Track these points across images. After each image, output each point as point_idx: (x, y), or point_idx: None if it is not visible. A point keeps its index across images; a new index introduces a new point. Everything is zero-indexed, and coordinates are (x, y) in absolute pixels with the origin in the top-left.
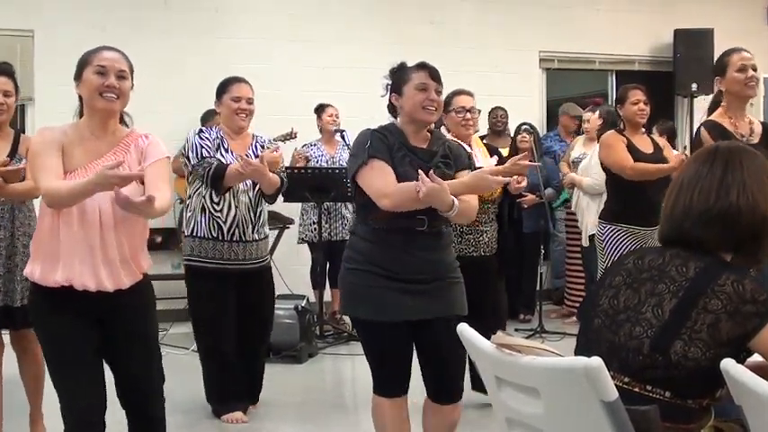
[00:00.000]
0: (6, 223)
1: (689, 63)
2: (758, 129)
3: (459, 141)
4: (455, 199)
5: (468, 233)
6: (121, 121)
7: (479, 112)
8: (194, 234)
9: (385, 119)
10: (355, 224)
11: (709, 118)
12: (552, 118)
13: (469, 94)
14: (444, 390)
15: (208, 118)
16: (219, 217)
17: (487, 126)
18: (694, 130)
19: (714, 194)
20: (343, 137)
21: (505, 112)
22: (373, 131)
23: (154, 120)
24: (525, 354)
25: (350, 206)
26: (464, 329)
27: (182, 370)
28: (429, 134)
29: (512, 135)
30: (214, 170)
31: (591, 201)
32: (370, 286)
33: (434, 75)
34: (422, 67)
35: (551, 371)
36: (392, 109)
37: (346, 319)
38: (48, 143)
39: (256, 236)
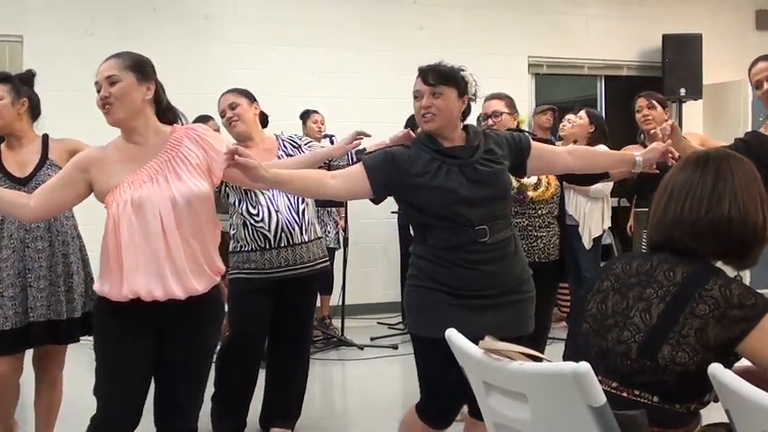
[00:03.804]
0: (43, 233)
1: (677, 68)
2: None
3: None
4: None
5: (521, 239)
6: (168, 121)
7: (505, 114)
8: (241, 249)
9: (374, 123)
10: (415, 245)
11: (756, 130)
12: None
13: (498, 97)
14: None
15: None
16: (262, 227)
17: None
18: (683, 134)
19: (705, 204)
20: (332, 142)
21: None
22: (396, 147)
23: None
24: (513, 359)
25: (335, 212)
26: (452, 335)
27: None
28: (464, 132)
29: None
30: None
31: (594, 205)
32: (435, 302)
33: (428, 79)
34: (420, 71)
35: (539, 376)
36: None
37: (336, 323)
38: (71, 165)
39: (306, 237)
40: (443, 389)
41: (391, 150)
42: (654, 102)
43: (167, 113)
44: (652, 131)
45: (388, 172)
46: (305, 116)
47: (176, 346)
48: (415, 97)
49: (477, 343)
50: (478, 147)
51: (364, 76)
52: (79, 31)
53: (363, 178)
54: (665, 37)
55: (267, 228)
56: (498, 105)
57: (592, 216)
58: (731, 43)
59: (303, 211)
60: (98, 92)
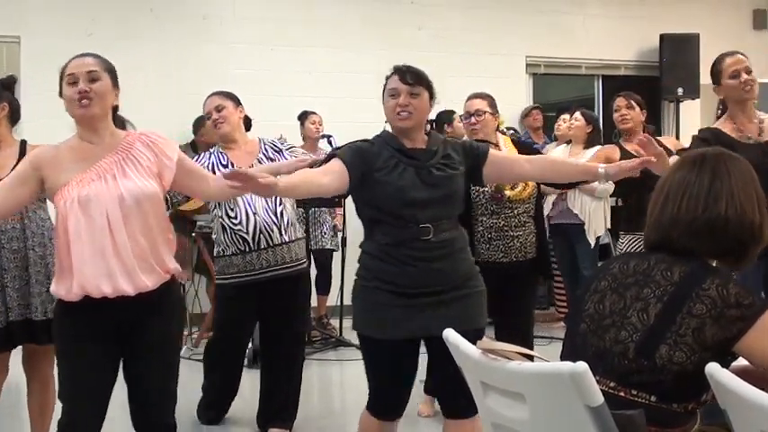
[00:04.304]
0: (18, 234)
1: (675, 68)
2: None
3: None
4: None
5: (497, 238)
6: (122, 126)
7: (487, 113)
8: (223, 254)
9: (372, 124)
10: (363, 241)
11: (711, 126)
12: None
13: (480, 96)
14: (460, 406)
15: (199, 125)
16: (241, 229)
17: None
18: (680, 134)
19: (702, 204)
20: (330, 142)
21: None
22: (361, 140)
23: (141, 125)
24: (511, 359)
25: (331, 212)
26: (449, 335)
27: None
28: (427, 136)
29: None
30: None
31: (598, 204)
32: (375, 302)
33: (406, 78)
34: (396, 70)
35: (537, 376)
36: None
37: (334, 323)
38: (23, 165)
39: (286, 238)
40: (389, 385)
41: (359, 145)
42: (632, 102)
43: (116, 121)
44: (636, 140)
45: (361, 167)
46: (303, 117)
47: (138, 343)
48: (392, 95)
49: (417, 342)
50: (437, 151)
51: (363, 77)
52: (77, 31)
53: (344, 172)
54: (662, 37)
55: (245, 230)
56: (481, 105)
57: (596, 215)
58: (729, 43)
59: (281, 212)
60: (70, 83)
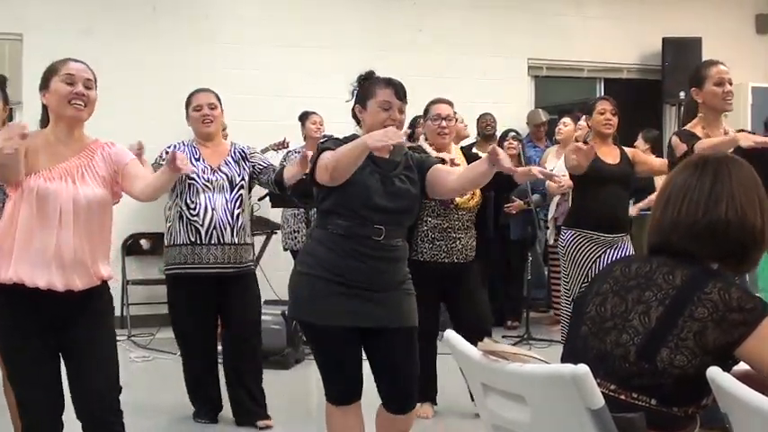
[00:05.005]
0: None
1: (677, 71)
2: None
3: (436, 152)
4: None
5: (440, 239)
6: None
7: (458, 120)
8: (174, 243)
9: None
10: (313, 228)
11: (683, 128)
12: None
13: (448, 102)
14: (396, 400)
15: None
16: (197, 221)
17: (476, 132)
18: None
19: (703, 207)
20: None
21: (493, 117)
22: (335, 138)
23: (140, 123)
24: (512, 361)
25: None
26: (450, 336)
27: (167, 375)
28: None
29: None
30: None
31: None
32: (318, 290)
33: (399, 93)
34: (388, 83)
35: (538, 378)
36: (356, 116)
37: None
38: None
39: (236, 239)
40: (341, 371)
41: (338, 138)
42: (616, 109)
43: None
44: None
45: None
46: (304, 117)
47: (69, 339)
48: (385, 109)
49: (360, 332)
50: (399, 163)
51: None
52: (80, 29)
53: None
54: (665, 40)
55: (201, 222)
56: (450, 110)
57: None
58: (731, 47)
59: (238, 215)
60: (66, 83)
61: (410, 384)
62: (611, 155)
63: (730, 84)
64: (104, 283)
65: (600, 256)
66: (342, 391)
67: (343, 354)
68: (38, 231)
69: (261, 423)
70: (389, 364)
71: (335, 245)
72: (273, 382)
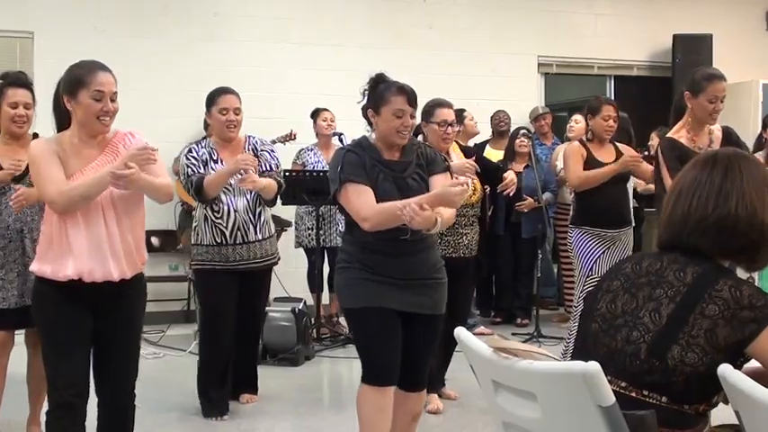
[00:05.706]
0: (38, 225)
1: (688, 68)
2: (718, 135)
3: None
4: (438, 217)
5: (448, 235)
6: None
7: (468, 118)
8: (201, 242)
9: None
10: (344, 234)
11: (668, 136)
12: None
13: (450, 106)
14: (411, 377)
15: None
16: (221, 223)
17: (490, 129)
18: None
19: (712, 202)
20: (341, 140)
21: (507, 114)
22: (347, 151)
23: (153, 121)
24: (522, 358)
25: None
26: (461, 333)
27: (178, 371)
28: (402, 148)
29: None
30: (194, 185)
31: None
32: (360, 279)
33: (411, 100)
34: (401, 90)
35: (548, 375)
36: (367, 117)
37: (343, 321)
38: (48, 153)
39: (260, 236)
40: (380, 350)
41: (353, 160)
42: (617, 114)
43: None
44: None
45: (365, 175)
46: (315, 114)
47: (107, 323)
48: (398, 116)
49: (399, 312)
50: (411, 162)
51: None
52: (89, 27)
53: (369, 191)
54: (675, 37)
55: (225, 224)
56: (453, 115)
57: None
58: (741, 44)
59: (260, 212)
60: (95, 99)
61: (427, 365)
62: (607, 154)
63: (722, 101)
64: (141, 270)
65: (604, 251)
66: (378, 371)
67: (381, 334)
68: (88, 229)
69: (245, 397)
70: (414, 347)
71: (366, 245)
72: (283, 378)
